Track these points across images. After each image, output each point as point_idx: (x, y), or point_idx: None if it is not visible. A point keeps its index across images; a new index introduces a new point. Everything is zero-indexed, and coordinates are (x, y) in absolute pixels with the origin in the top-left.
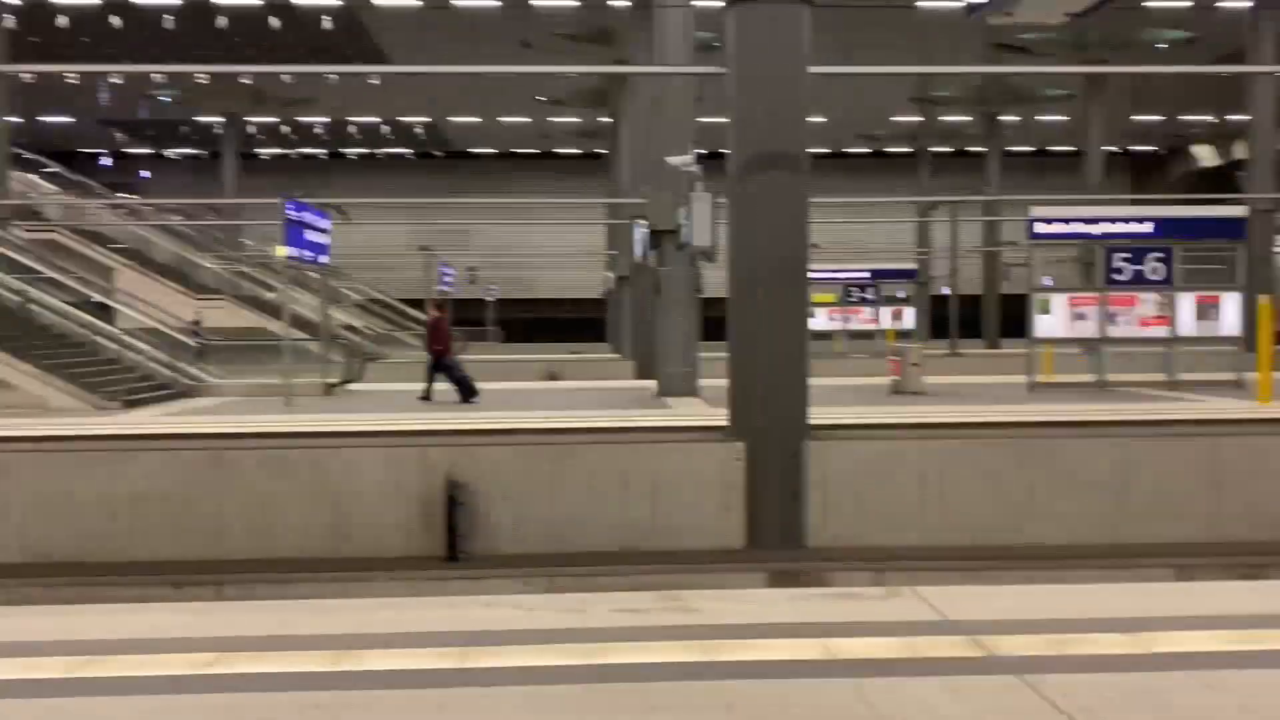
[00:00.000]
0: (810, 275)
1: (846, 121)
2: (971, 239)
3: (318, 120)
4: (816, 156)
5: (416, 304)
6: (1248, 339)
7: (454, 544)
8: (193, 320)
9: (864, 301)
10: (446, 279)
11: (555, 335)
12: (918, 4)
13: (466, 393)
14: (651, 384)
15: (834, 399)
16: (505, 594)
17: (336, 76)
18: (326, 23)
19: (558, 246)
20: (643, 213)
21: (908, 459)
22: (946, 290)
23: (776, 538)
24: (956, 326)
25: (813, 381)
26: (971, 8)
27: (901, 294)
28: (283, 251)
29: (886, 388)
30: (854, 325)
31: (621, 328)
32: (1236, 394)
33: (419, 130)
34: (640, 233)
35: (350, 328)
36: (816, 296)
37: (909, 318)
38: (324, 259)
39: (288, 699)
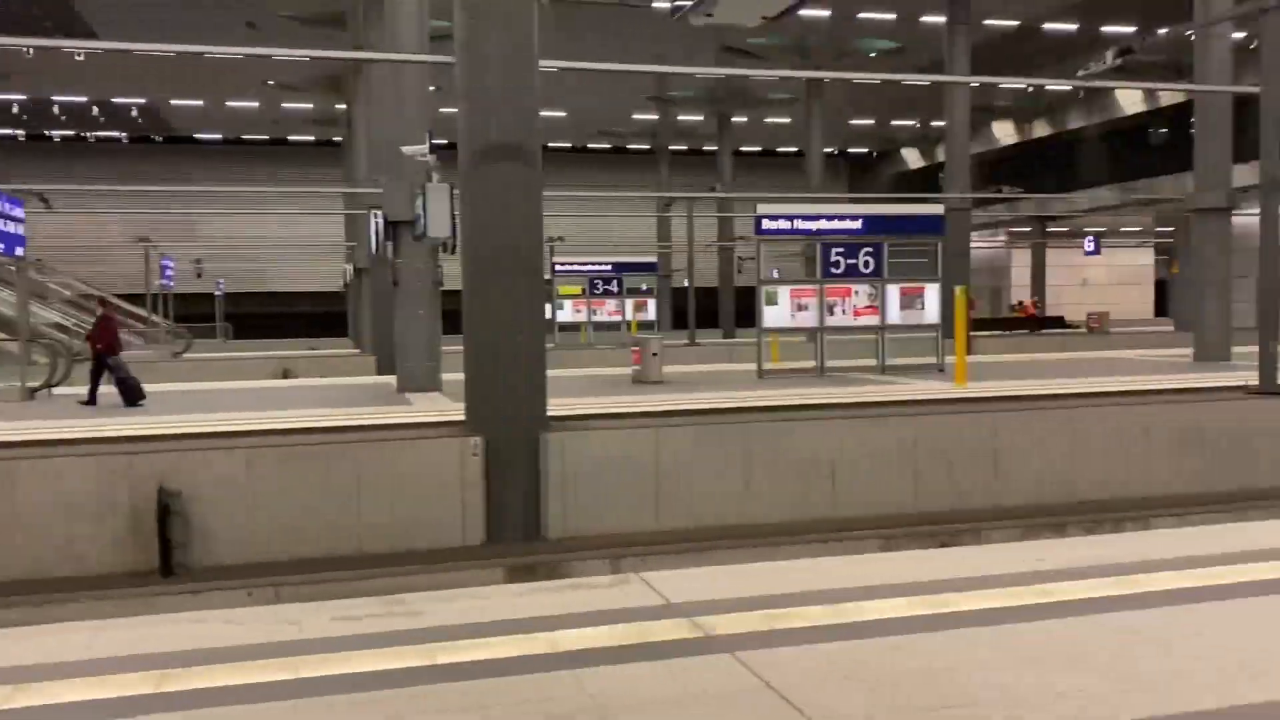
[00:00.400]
0: (557, 267)
1: (589, 118)
2: (709, 234)
3: (15, 99)
4: (560, 151)
5: (138, 299)
6: (947, 326)
7: (168, 557)
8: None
9: (608, 294)
10: (168, 272)
11: (293, 331)
12: (653, 5)
13: (131, 395)
14: (393, 380)
15: (577, 389)
16: (225, 608)
17: (31, 51)
18: None
19: (294, 238)
20: (379, 203)
21: (642, 447)
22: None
23: (516, 532)
24: (694, 318)
25: (558, 373)
26: (674, 9)
27: (645, 287)
28: None
29: (629, 377)
30: (600, 317)
31: (361, 322)
32: (938, 376)
33: (134, 113)
34: (377, 224)
35: (59, 326)
36: (562, 288)
37: (651, 309)
38: (19, 251)
39: None
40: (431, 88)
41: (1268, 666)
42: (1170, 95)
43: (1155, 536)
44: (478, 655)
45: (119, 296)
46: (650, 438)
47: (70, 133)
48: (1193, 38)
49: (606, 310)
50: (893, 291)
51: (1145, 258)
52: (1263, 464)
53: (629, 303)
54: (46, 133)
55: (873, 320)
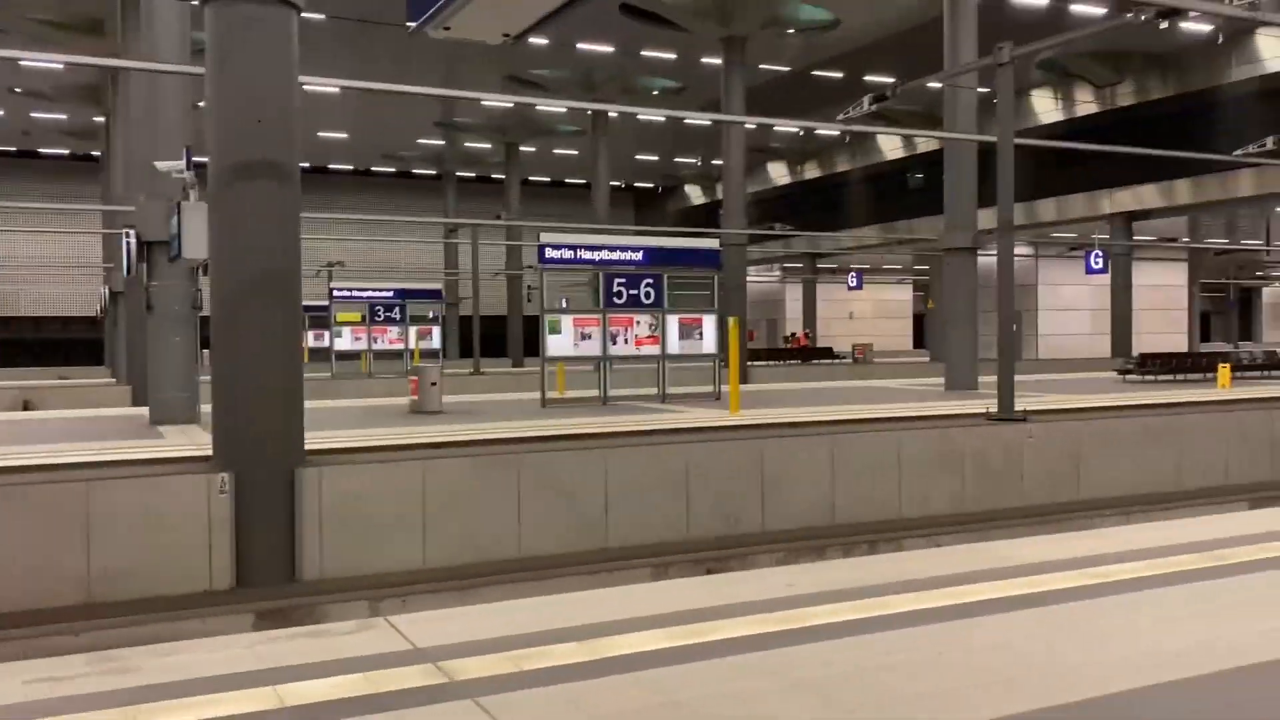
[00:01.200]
0: (335, 293)
1: (374, 142)
2: (498, 262)
3: None
4: (342, 174)
5: None
6: (724, 356)
7: None
8: None
9: (390, 321)
10: None
11: (45, 358)
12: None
13: None
14: (147, 411)
15: (349, 421)
16: None
17: None
18: None
19: (48, 258)
20: (133, 222)
21: (408, 480)
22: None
23: (270, 574)
24: (479, 346)
25: (332, 403)
26: (412, 19)
27: (431, 314)
28: None
29: (406, 408)
30: (381, 345)
31: (118, 349)
32: (714, 404)
33: None
34: (130, 243)
35: None
36: (341, 315)
37: (436, 338)
38: None
39: None
40: (198, 104)
41: (1012, 678)
42: (926, 142)
43: (907, 557)
44: (187, 716)
45: None
46: (417, 470)
47: None
48: (942, 88)
49: (388, 338)
50: (672, 322)
51: (905, 293)
52: (1004, 485)
53: (412, 330)
54: None
55: (654, 350)
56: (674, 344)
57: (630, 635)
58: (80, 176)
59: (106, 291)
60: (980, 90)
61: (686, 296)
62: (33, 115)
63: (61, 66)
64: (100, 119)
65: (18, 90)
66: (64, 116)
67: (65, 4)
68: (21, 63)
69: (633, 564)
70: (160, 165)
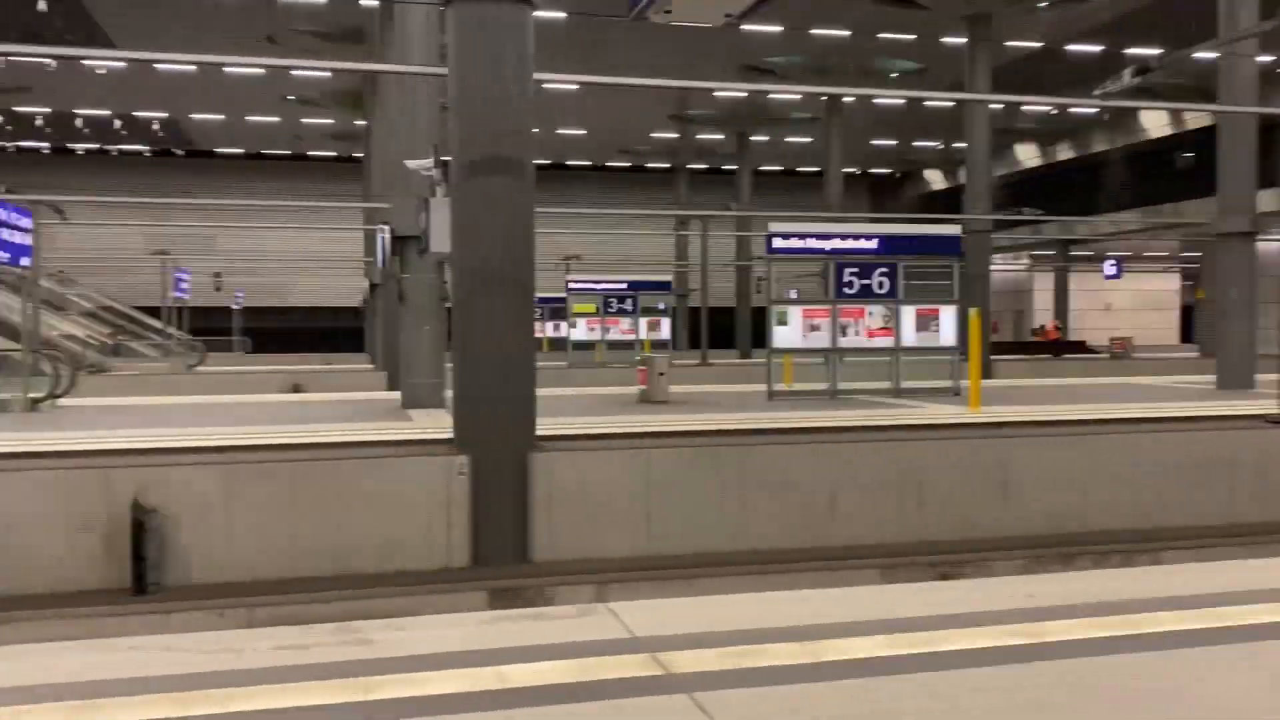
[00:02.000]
0: (571, 286)
1: (610, 137)
2: (728, 253)
3: (38, 111)
4: (580, 170)
5: (155, 312)
6: (964, 349)
7: (141, 575)
8: None
9: (623, 312)
10: (182, 284)
11: (313, 345)
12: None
13: None
14: (399, 395)
15: (580, 409)
16: (195, 629)
17: (54, 63)
18: (42, 3)
19: (315, 253)
20: (388, 218)
21: (633, 468)
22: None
23: (501, 554)
24: (708, 337)
25: (567, 391)
26: (632, 5)
27: (661, 305)
28: None
29: (635, 397)
30: (614, 335)
31: (375, 337)
32: (953, 400)
33: (156, 126)
34: (384, 239)
35: (68, 336)
36: (577, 307)
37: (665, 329)
38: (25, 260)
39: None
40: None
41: None
42: (1196, 118)
43: (1169, 571)
44: (414, 691)
45: (137, 309)
46: (642, 459)
47: (93, 145)
48: (1217, 58)
49: (620, 329)
50: (908, 313)
51: (1171, 283)
52: None
53: (643, 321)
54: (69, 145)
55: (887, 342)
56: (909, 336)
57: (854, 639)
58: (345, 177)
59: (368, 284)
60: (1262, 59)
61: (924, 286)
62: (303, 121)
63: (328, 74)
64: (362, 122)
65: (290, 98)
66: (330, 121)
67: (329, 16)
68: (292, 72)
69: (859, 564)
70: (410, 164)
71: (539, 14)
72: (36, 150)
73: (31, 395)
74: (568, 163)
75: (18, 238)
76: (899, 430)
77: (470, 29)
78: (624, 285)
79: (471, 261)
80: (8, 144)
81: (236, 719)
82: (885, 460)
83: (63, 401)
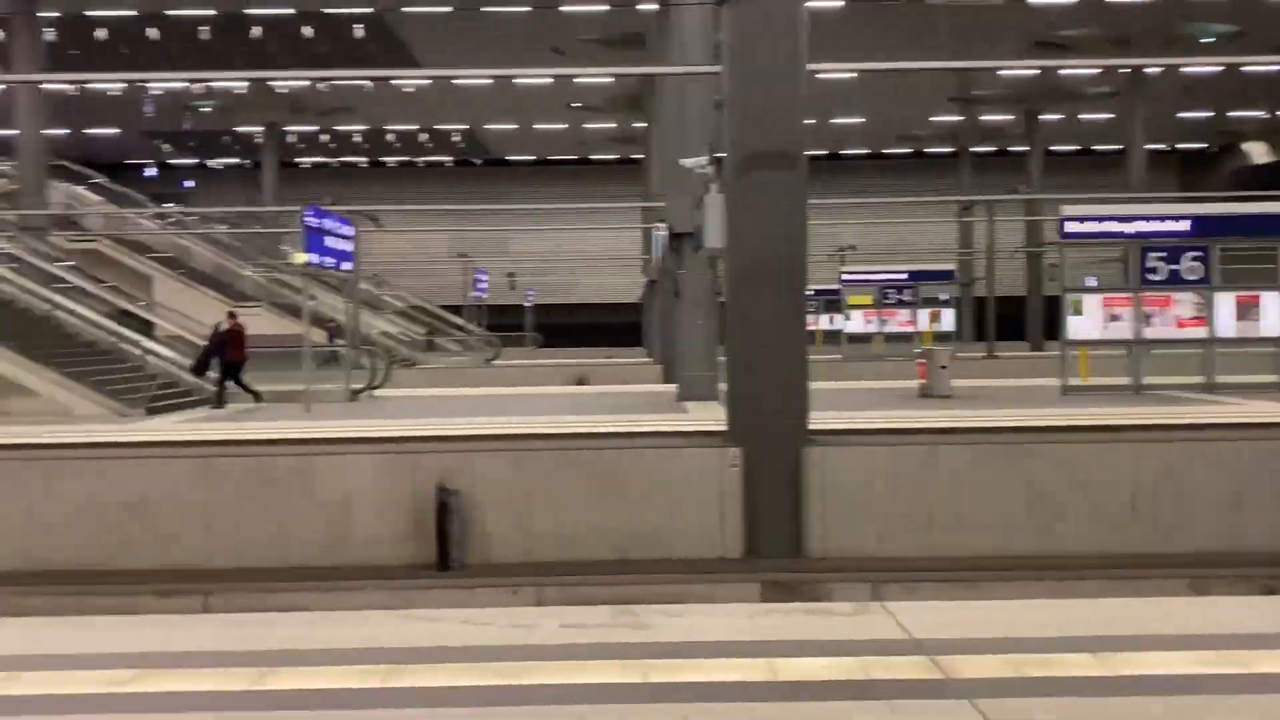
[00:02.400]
0: (845, 277)
1: (888, 123)
2: (1015, 239)
3: (357, 129)
4: (855, 158)
5: (457, 310)
6: None
7: (445, 553)
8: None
9: (901, 303)
10: (480, 285)
11: (598, 340)
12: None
13: (221, 401)
14: (675, 388)
15: (856, 403)
16: (491, 605)
17: (372, 85)
18: (359, 30)
19: (600, 251)
20: (664, 216)
21: (912, 465)
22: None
23: (774, 547)
24: (994, 328)
25: (842, 385)
26: None
27: (944, 295)
28: (301, 258)
29: (915, 391)
30: (892, 328)
31: (653, 332)
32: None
33: (457, 138)
34: (661, 236)
35: (384, 334)
36: (852, 298)
37: (948, 320)
38: (346, 265)
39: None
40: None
41: None
42: None
43: None
44: (689, 676)
45: (442, 307)
46: (922, 456)
47: (404, 158)
48: None
49: (899, 321)
50: (1225, 301)
51: None
52: None
53: (924, 313)
54: (383, 159)
55: (1199, 332)
56: (1227, 326)
57: (1155, 654)
58: (626, 178)
59: (645, 280)
60: None
61: (1244, 271)
62: (586, 126)
63: (610, 80)
64: (641, 125)
65: (575, 105)
66: (612, 125)
67: (611, 24)
68: (576, 80)
69: (1164, 573)
70: (685, 162)
71: (812, 3)
72: (355, 165)
73: (352, 386)
74: (843, 152)
75: (341, 245)
76: (1218, 429)
77: (744, 26)
78: (903, 275)
79: (744, 256)
80: (332, 160)
81: (528, 691)
82: (1197, 460)
83: (378, 392)
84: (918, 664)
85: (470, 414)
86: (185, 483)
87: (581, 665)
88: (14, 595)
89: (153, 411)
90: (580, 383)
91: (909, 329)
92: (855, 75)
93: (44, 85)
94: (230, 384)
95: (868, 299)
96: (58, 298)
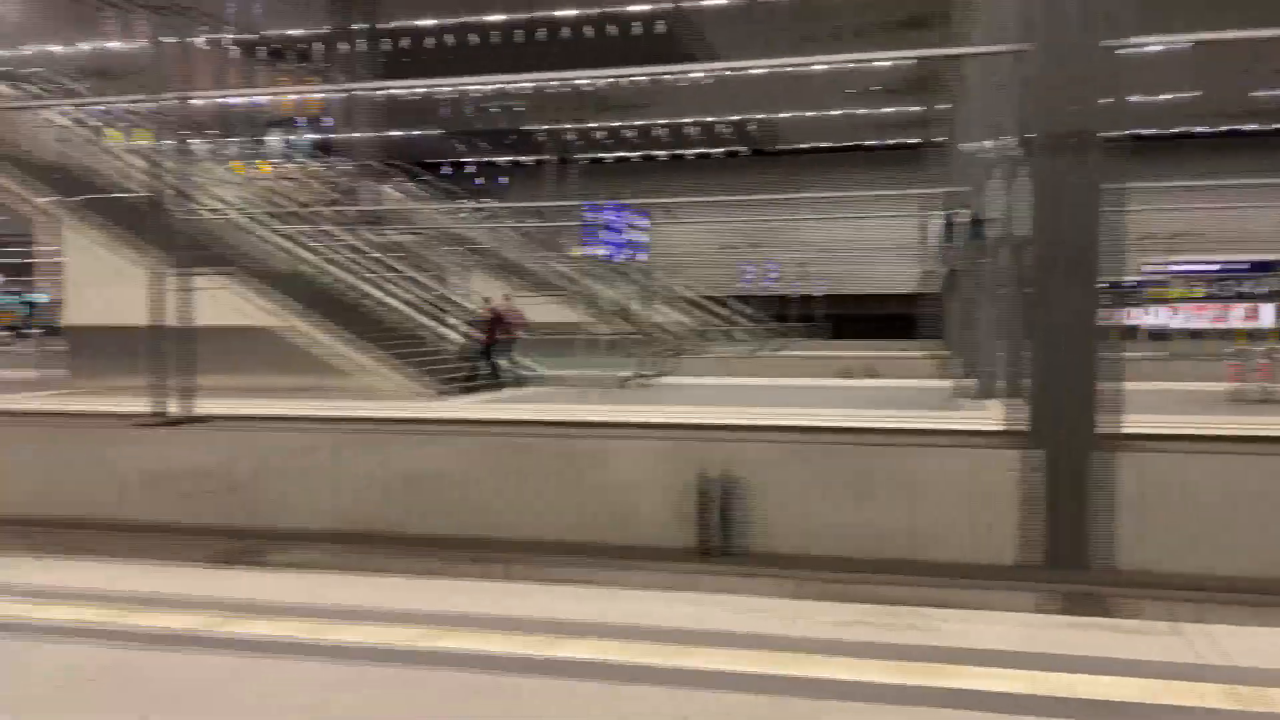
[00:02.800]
0: (1174, 268)
1: (1219, 97)
2: None
3: (656, 123)
4: (1183, 137)
5: (745, 300)
6: None
7: (720, 539)
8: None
9: (1219, 297)
10: (769, 274)
11: (883, 332)
12: None
13: (495, 377)
14: (968, 384)
15: (1170, 404)
16: (751, 594)
17: (670, 79)
18: (659, 27)
19: (889, 239)
20: (954, 203)
21: (1246, 476)
22: None
23: (1075, 557)
24: None
25: (1155, 386)
26: None
27: (1265, 289)
28: (578, 251)
29: (1231, 394)
30: (1204, 324)
31: (943, 324)
32: None
33: (752, 129)
34: (950, 224)
35: (675, 322)
36: (1179, 291)
37: (1267, 315)
38: (624, 256)
39: (475, 679)
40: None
41: None
42: None
43: None
44: (975, 684)
45: (732, 297)
46: (1256, 468)
47: (700, 150)
48: None
49: (1239, 316)
50: None
51: None
52: None
53: (1268, 308)
54: (678, 152)
55: None
56: None
57: None
58: (914, 164)
59: (935, 270)
60: None
61: None
62: (871, 111)
63: (892, 64)
64: (929, 108)
65: (849, 90)
66: (897, 110)
67: (892, 5)
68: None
69: None
70: (976, 146)
71: None
72: (653, 158)
73: (643, 374)
74: (1170, 130)
75: (638, 237)
76: None
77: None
78: (1247, 266)
79: (1045, 244)
80: (632, 155)
81: (799, 683)
82: None
83: (665, 380)
84: (1210, 691)
85: (753, 404)
86: (490, 458)
87: (856, 663)
88: (338, 552)
89: (462, 391)
90: (867, 375)
91: (1248, 324)
92: (1167, 48)
93: (377, 92)
94: (485, 363)
95: (1179, 292)
96: (390, 286)
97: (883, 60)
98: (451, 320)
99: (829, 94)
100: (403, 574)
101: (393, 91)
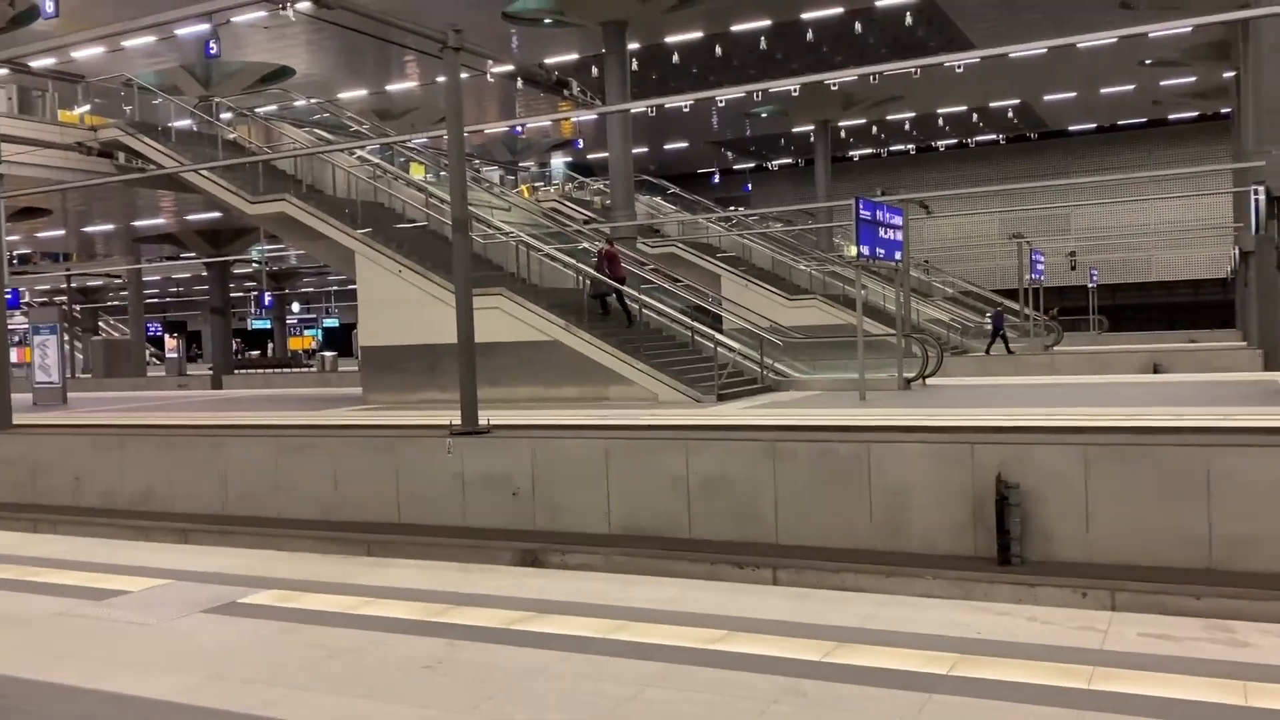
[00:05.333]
0: None
1: None
2: None
3: (906, 117)
4: None
5: (1012, 294)
6: None
7: (1005, 547)
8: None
9: None
10: (1037, 266)
11: (1170, 322)
12: None
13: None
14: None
15: None
16: (1056, 605)
17: (917, 71)
18: (908, 19)
19: (1174, 222)
20: (1262, 177)
21: None
22: None
23: None
24: None
25: None
26: None
27: None
28: (853, 251)
29: None
30: None
31: (1248, 312)
32: None
33: (1010, 114)
34: (1258, 200)
35: (935, 321)
36: None
37: None
38: (897, 255)
39: (770, 683)
40: None
41: None
42: None
43: None
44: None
45: (995, 292)
46: None
47: (953, 141)
48: None
49: None
50: None
51: None
52: None
53: None
54: (932, 144)
55: None
56: None
57: None
58: (1208, 138)
59: (1236, 252)
60: None
61: None
62: (1160, 84)
63: (1189, 30)
64: (1229, 75)
65: (1147, 61)
66: (1191, 80)
67: None
68: (1151, 35)
69: None
70: None
71: None
72: (904, 153)
73: (905, 375)
74: None
75: (891, 235)
76: None
77: None
78: None
79: None
80: (881, 150)
81: (1101, 697)
82: None
83: (931, 380)
84: None
85: (1027, 404)
86: (756, 463)
87: (1163, 678)
88: (617, 554)
89: (723, 398)
90: (1155, 370)
91: None
92: None
93: (632, 110)
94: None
95: None
96: (644, 297)
97: (1165, 30)
98: (708, 329)
99: (1118, 68)
100: (680, 576)
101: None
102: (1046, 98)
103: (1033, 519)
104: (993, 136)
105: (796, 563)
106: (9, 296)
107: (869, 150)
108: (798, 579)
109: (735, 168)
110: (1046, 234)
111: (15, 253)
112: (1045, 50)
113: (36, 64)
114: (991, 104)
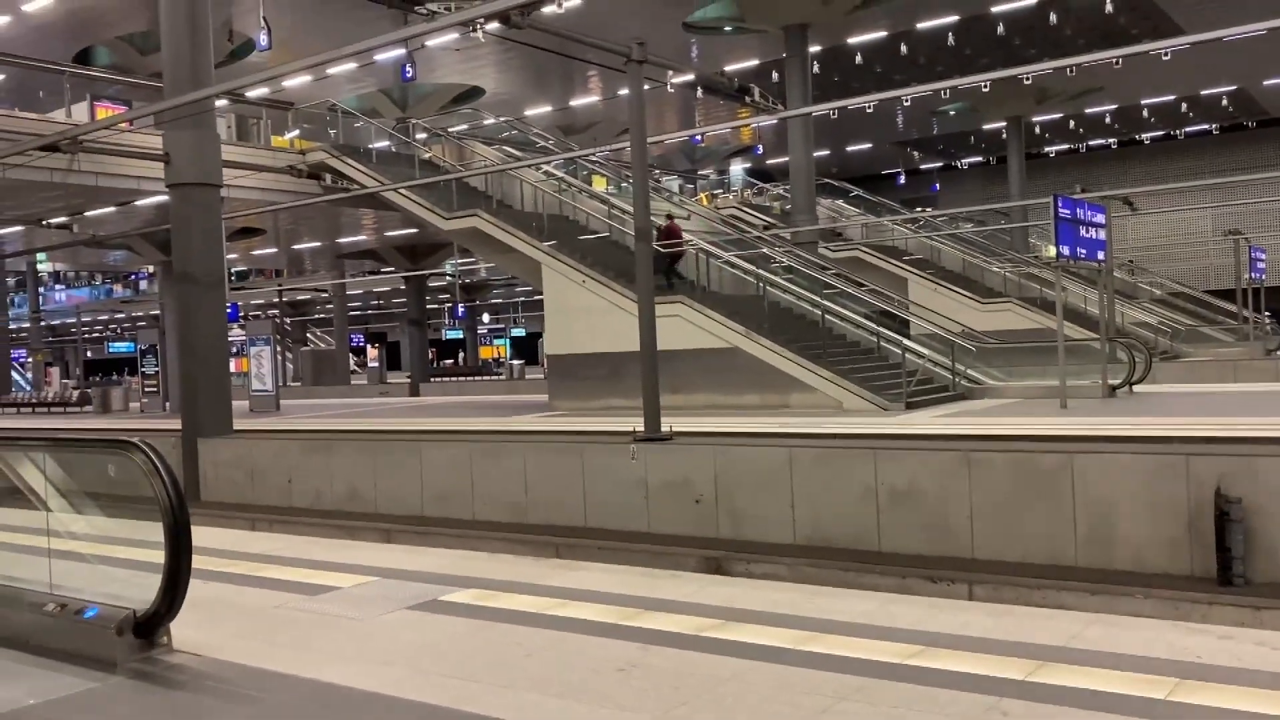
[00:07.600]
0: None
1: None
2: None
3: (1106, 109)
4: None
5: (1228, 295)
6: None
7: (1226, 566)
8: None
9: None
10: (1258, 264)
11: None
12: None
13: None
14: None
15: None
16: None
17: (1119, 61)
18: (1107, 6)
19: None
20: None
21: None
22: None
23: None
24: None
25: None
26: None
27: None
28: (1051, 252)
29: None
30: None
31: None
32: None
33: (1224, 101)
34: None
35: (1142, 324)
36: None
37: None
38: (1101, 255)
39: (969, 700)
40: None
41: None
42: None
43: None
44: None
45: (1208, 293)
46: None
47: (1159, 133)
48: None
49: None
50: None
51: None
52: None
53: None
54: (1135, 136)
55: None
56: None
57: None
58: None
59: None
60: None
61: None
62: None
63: None
64: None
65: None
66: None
67: None
68: None
69: None
70: None
71: None
72: (1105, 147)
73: (1109, 382)
74: None
75: (1093, 233)
76: None
77: None
78: None
79: None
80: (1079, 145)
81: None
82: None
83: (1138, 387)
84: None
85: (1247, 413)
86: (949, 474)
87: None
88: (804, 564)
89: (911, 406)
90: None
91: None
92: None
93: (814, 113)
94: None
95: None
96: (827, 303)
97: None
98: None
99: None
100: (869, 589)
101: (837, 108)
102: (1266, 83)
103: (1257, 536)
104: (1204, 126)
105: (994, 578)
106: (229, 310)
107: (1065, 146)
108: (995, 595)
109: (922, 168)
110: (1268, 229)
111: (234, 269)
112: (1265, 31)
113: (252, 94)
114: (1203, 92)
